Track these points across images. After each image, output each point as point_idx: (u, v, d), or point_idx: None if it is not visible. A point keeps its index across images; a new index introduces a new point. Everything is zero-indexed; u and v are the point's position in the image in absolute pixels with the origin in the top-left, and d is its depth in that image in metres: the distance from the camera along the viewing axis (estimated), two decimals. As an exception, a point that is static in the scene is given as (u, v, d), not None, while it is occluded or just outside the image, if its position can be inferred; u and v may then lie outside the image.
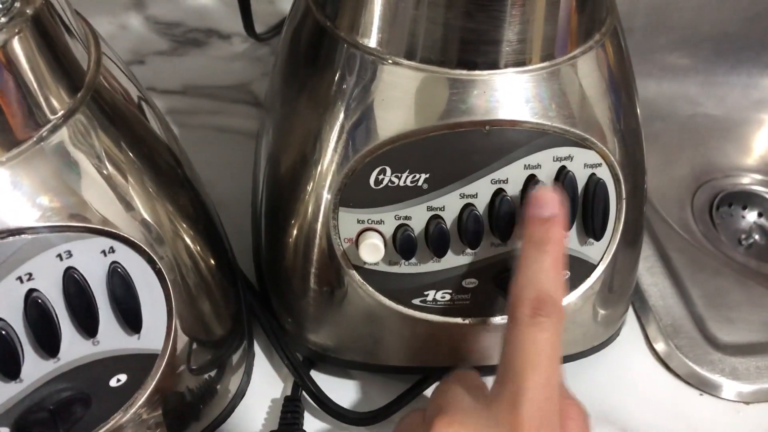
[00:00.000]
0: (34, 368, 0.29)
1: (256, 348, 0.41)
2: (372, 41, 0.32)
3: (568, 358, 0.39)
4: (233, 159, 0.49)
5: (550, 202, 0.31)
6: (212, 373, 0.36)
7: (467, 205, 0.33)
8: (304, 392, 0.38)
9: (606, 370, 0.41)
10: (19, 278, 0.28)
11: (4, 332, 0.27)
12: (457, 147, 0.32)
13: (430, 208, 0.33)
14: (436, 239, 0.33)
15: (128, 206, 0.31)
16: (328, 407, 0.38)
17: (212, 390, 0.36)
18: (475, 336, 0.36)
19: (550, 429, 0.27)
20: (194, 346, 0.34)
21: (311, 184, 0.35)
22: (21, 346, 0.28)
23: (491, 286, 0.35)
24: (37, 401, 0.29)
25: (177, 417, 0.34)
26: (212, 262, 0.35)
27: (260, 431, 0.38)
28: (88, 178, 0.30)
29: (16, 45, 0.27)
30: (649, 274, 0.45)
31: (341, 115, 0.33)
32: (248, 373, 0.39)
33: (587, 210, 0.34)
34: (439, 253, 0.33)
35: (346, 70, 0.33)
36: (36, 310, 0.28)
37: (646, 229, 0.47)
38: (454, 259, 0.34)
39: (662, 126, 0.60)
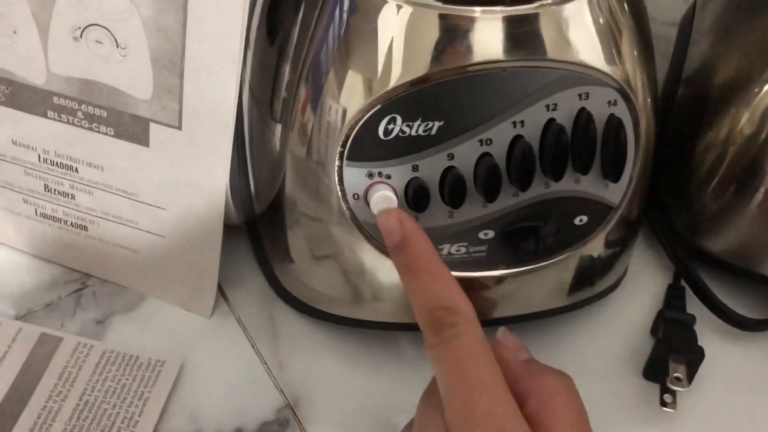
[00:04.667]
0: (533, 189, 0.32)
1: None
2: None
3: None
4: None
5: (393, 231, 0.30)
6: (617, 249, 0.38)
7: None
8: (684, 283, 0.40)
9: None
10: (546, 106, 0.31)
11: (526, 149, 0.31)
12: None
13: None
14: None
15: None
16: (710, 302, 0.39)
17: (611, 263, 0.38)
18: None
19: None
20: (618, 219, 0.36)
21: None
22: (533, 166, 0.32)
23: None
24: (522, 215, 0.33)
25: (584, 275, 0.37)
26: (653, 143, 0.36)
27: (639, 306, 0.41)
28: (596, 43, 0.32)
29: None
30: None
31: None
32: (630, 255, 0.41)
33: None
34: None
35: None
36: (552, 137, 0.31)
37: None
38: None
39: None
